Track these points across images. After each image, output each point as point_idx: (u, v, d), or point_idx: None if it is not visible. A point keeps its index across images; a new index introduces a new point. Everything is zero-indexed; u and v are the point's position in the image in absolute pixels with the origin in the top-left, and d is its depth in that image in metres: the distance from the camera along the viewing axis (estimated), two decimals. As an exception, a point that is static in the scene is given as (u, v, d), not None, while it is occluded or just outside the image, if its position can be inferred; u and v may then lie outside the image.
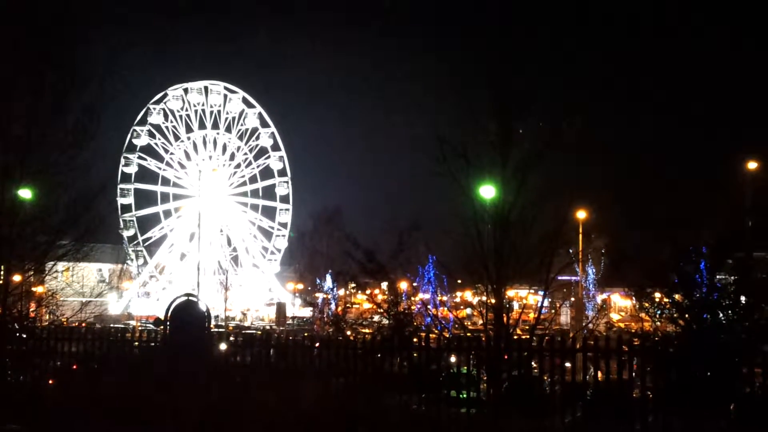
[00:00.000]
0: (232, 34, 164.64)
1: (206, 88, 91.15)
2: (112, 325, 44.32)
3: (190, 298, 20.96)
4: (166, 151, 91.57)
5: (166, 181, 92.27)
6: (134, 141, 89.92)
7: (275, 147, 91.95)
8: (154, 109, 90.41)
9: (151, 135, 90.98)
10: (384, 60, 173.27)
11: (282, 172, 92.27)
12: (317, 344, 20.00)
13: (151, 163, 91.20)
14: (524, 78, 20.04)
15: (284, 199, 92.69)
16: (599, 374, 16.87)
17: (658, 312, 18.05)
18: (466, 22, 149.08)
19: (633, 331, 25.48)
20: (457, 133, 19.46)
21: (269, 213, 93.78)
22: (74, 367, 21.66)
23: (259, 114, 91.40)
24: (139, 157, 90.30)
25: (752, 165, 29.15)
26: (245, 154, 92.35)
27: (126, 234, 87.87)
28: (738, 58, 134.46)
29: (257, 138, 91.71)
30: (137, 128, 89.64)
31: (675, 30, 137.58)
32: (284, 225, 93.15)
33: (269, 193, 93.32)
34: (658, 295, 18.36)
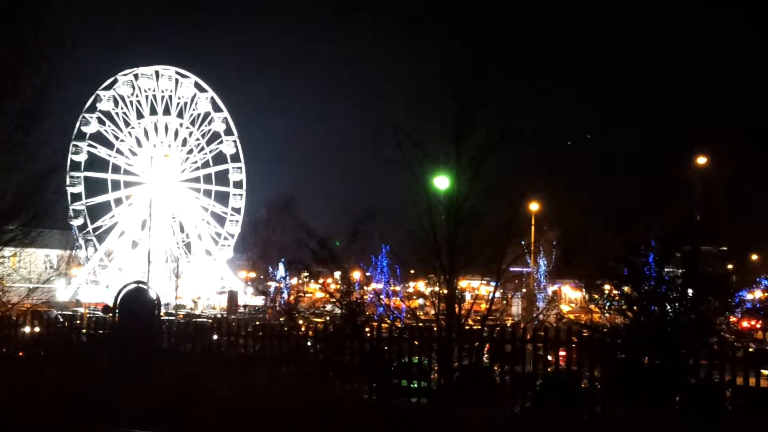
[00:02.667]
0: (184, 18, 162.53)
1: (157, 72, 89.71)
2: (59, 312, 43.67)
3: (140, 285, 20.73)
4: (117, 138, 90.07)
5: (116, 169, 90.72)
6: (83, 128, 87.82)
7: (228, 132, 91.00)
8: (104, 95, 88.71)
9: (101, 122, 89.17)
10: (341, 47, 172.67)
11: (235, 157, 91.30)
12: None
13: (102, 151, 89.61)
14: (480, 70, 20.05)
15: (238, 184, 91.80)
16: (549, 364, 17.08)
17: (608, 304, 18.28)
18: (425, 12, 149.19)
19: (583, 322, 25.77)
20: (414, 123, 19.48)
21: (223, 199, 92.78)
22: (20, 354, 21.29)
23: (212, 98, 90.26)
24: (89, 145, 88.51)
25: (701, 160, 29.67)
26: (197, 139, 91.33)
27: (76, 223, 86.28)
28: (697, 50, 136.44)
29: (210, 123, 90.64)
30: (87, 115, 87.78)
31: (635, 20, 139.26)
32: (237, 210, 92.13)
33: (222, 179, 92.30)
34: (607, 287, 18.59)
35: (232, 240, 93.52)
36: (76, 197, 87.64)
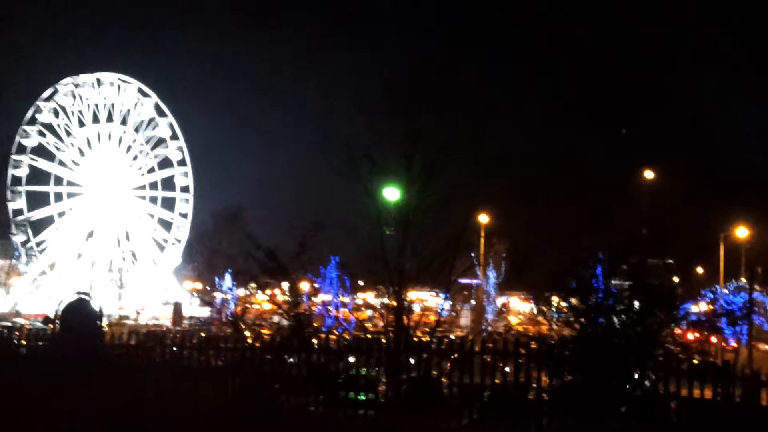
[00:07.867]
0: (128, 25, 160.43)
1: (98, 80, 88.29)
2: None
3: (82, 296, 20.28)
4: (59, 149, 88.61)
5: (59, 181, 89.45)
6: (23, 142, 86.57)
7: (174, 137, 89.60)
8: (44, 107, 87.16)
9: (42, 134, 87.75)
10: (285, 57, 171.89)
11: (181, 162, 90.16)
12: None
13: (43, 164, 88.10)
14: (422, 79, 20.08)
15: (184, 189, 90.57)
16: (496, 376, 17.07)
17: (556, 316, 18.37)
18: (376, 19, 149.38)
19: (531, 334, 25.91)
20: (364, 135, 19.40)
21: (169, 205, 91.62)
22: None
23: (156, 104, 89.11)
24: (30, 158, 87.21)
25: (649, 174, 30.11)
26: (141, 144, 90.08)
27: (18, 240, 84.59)
28: (650, 60, 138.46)
29: (154, 128, 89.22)
30: (27, 128, 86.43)
31: (586, 30, 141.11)
32: (184, 215, 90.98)
33: (169, 186, 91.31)
34: (555, 299, 18.67)
35: (180, 245, 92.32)
36: (18, 212, 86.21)
